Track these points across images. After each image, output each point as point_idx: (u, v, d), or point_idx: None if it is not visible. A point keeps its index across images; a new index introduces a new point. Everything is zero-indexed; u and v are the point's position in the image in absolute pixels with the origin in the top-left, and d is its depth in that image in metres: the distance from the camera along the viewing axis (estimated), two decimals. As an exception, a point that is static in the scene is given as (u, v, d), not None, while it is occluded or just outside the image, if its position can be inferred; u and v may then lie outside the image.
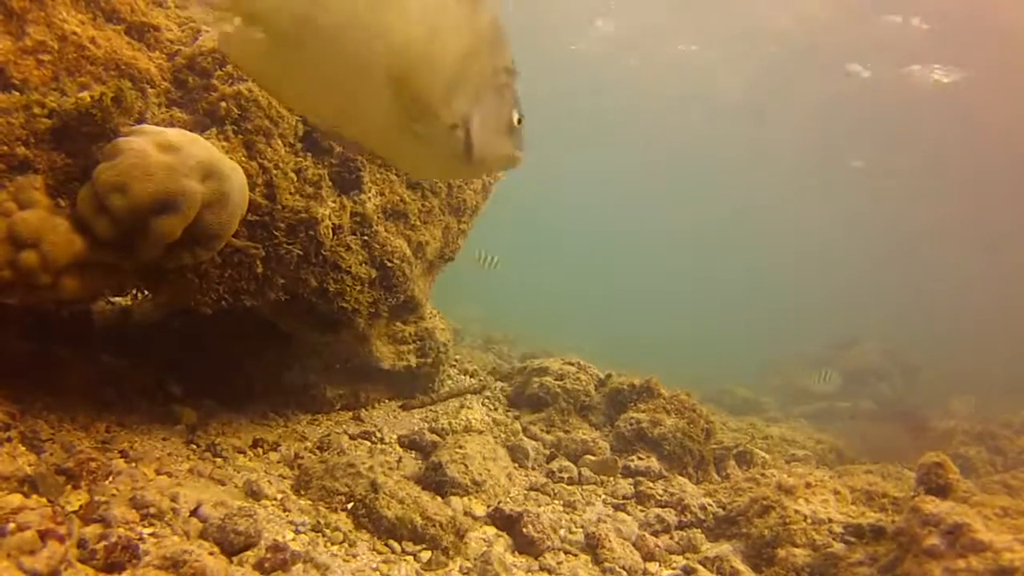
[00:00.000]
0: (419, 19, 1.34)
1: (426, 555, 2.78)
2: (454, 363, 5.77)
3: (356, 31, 1.32)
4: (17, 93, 2.40)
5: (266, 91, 1.50)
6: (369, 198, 3.48)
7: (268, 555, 2.36)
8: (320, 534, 2.71)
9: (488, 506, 3.37)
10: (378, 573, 2.58)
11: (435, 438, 4.10)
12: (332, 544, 2.68)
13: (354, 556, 2.64)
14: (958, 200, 22.07)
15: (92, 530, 2.16)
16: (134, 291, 3.19)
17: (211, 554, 2.21)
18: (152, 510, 2.35)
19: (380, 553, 2.72)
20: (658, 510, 3.76)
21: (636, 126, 27.56)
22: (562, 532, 3.35)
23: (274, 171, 2.99)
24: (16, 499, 2.06)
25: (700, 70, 19.41)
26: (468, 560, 2.84)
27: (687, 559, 3.32)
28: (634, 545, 3.31)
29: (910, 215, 26.07)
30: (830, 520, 3.35)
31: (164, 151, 2.39)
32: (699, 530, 3.64)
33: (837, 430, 8.40)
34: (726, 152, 26.87)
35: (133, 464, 2.76)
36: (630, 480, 4.15)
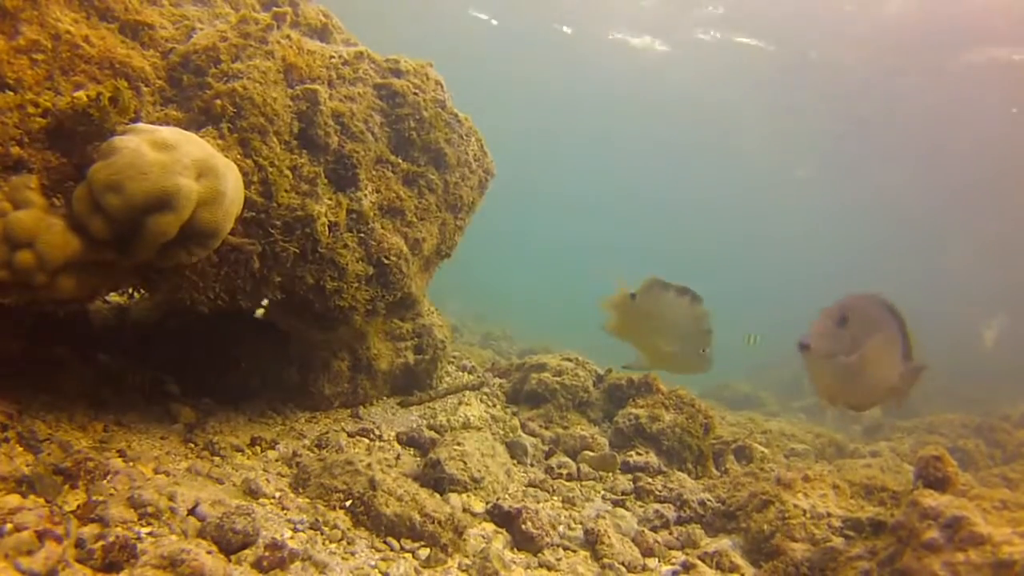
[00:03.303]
0: (686, 321, 2.97)
1: (425, 552, 2.78)
2: (452, 359, 5.77)
3: (661, 330, 2.96)
4: (11, 92, 2.39)
5: (618, 333, 3.06)
6: (365, 195, 3.47)
7: (266, 553, 2.36)
8: (318, 532, 2.71)
9: (487, 503, 3.38)
10: (377, 571, 2.58)
11: (433, 435, 4.10)
12: (331, 542, 2.68)
13: (353, 554, 2.64)
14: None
15: (90, 530, 2.16)
16: (131, 290, 3.18)
17: (209, 553, 2.20)
18: (150, 509, 2.35)
19: (379, 550, 2.72)
20: (657, 505, 3.76)
21: (634, 125, 27.54)
22: (561, 528, 3.35)
23: (270, 169, 2.98)
24: (14, 499, 2.06)
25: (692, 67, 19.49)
26: (467, 557, 2.85)
27: (686, 554, 3.33)
28: (633, 541, 3.32)
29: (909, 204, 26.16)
30: (829, 514, 3.35)
31: (159, 149, 2.38)
32: (698, 525, 3.64)
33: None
34: (723, 148, 26.89)
35: (131, 463, 2.76)
36: (629, 476, 4.15)
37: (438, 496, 3.20)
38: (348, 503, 2.94)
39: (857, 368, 2.59)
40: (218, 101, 2.87)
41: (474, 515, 3.26)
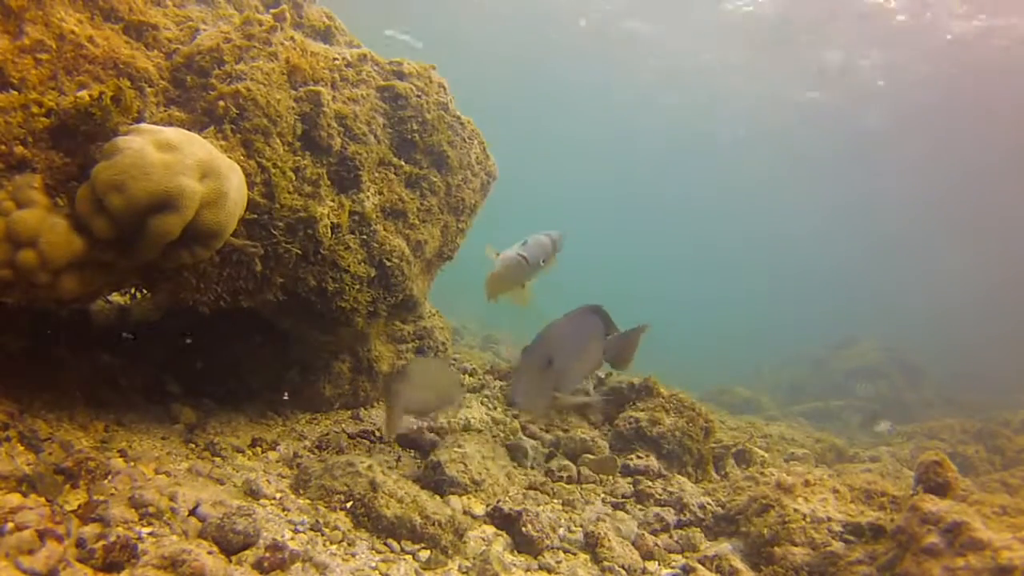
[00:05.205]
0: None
1: (425, 554, 2.78)
2: (453, 362, 5.77)
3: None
4: (15, 92, 2.40)
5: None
6: (368, 197, 3.48)
7: (267, 554, 2.36)
8: (319, 533, 2.71)
9: (487, 505, 3.37)
10: (377, 572, 2.58)
11: (434, 437, 4.09)
12: (331, 543, 2.68)
13: (353, 555, 2.64)
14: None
15: (91, 529, 2.16)
16: (133, 290, 3.18)
17: (210, 553, 2.21)
18: (151, 509, 2.35)
19: (379, 552, 2.72)
20: (657, 509, 3.76)
21: (634, 127, 27.54)
22: (561, 531, 3.35)
23: (272, 170, 2.98)
24: (15, 498, 2.06)
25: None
26: (467, 559, 2.84)
27: (686, 558, 3.33)
28: (633, 544, 3.31)
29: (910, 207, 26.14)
30: (829, 519, 3.35)
31: (162, 150, 2.39)
32: (698, 529, 3.64)
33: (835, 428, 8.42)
34: (724, 148, 26.87)
35: (132, 463, 2.76)
36: (629, 479, 4.15)
37: (439, 498, 3.20)
38: (349, 504, 2.93)
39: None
40: (221, 102, 2.87)
41: (474, 517, 3.26)
